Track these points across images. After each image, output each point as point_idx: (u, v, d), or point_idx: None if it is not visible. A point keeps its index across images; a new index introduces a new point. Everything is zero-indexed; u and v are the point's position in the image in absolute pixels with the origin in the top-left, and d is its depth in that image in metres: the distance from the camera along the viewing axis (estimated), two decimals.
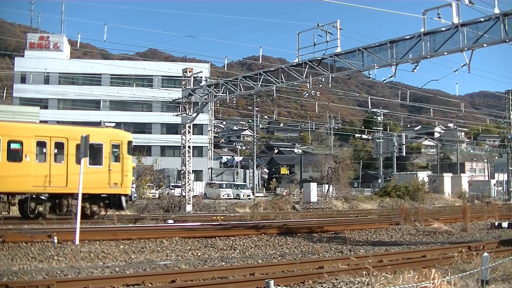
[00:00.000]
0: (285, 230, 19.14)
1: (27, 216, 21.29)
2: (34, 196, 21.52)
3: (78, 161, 19.93)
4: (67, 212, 21.84)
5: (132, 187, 25.08)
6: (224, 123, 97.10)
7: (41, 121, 44.64)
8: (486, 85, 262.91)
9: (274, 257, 13.12)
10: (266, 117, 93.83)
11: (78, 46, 36.57)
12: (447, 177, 58.73)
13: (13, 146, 21.01)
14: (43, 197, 21.74)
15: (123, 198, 23.20)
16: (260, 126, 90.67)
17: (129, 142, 23.91)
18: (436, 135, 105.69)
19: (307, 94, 27.15)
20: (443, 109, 64.99)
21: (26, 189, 21.13)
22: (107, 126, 28.79)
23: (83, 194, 19.11)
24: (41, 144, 21.81)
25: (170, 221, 22.48)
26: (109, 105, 63.34)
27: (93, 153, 21.86)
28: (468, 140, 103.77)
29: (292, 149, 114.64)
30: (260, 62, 31.93)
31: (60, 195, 21.87)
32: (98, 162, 22.64)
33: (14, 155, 21.11)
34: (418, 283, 8.06)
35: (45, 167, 21.39)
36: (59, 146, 21.99)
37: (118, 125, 49.47)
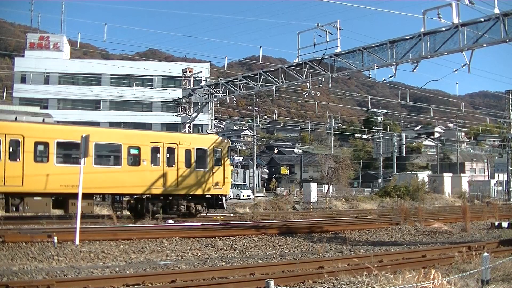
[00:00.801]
0: (285, 230, 19.14)
1: (139, 215, 23.26)
2: (149, 196, 23.62)
3: (187, 165, 24.47)
4: (176, 210, 24.26)
5: None
6: (224, 123, 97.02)
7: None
8: (486, 85, 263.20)
9: (274, 257, 13.12)
10: (266, 117, 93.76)
11: (78, 46, 36.58)
12: (447, 177, 58.75)
13: (132, 151, 23.22)
14: (156, 198, 23.91)
15: (224, 198, 25.96)
16: (260, 126, 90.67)
17: (229, 148, 27.14)
18: (436, 135, 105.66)
19: (307, 94, 27.17)
20: (443, 109, 64.97)
21: (144, 191, 23.46)
22: (208, 133, 33.85)
23: (189, 195, 24.74)
24: (155, 150, 23.90)
25: (170, 221, 22.48)
26: (109, 105, 63.30)
27: (200, 157, 25.03)
28: (468, 140, 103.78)
29: (292, 149, 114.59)
30: (260, 62, 31.95)
31: (171, 196, 24.26)
32: (203, 166, 25.14)
33: (134, 160, 23.40)
34: (418, 283, 8.06)
35: (159, 170, 23.79)
36: (171, 151, 24.28)
37: (118, 125, 49.56)
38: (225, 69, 36.85)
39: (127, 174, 22.72)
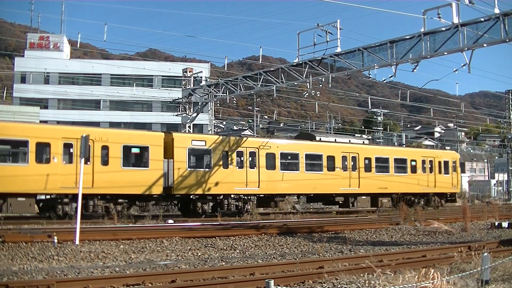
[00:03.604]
0: (285, 230, 19.14)
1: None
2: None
3: (440, 171, 34.25)
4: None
5: None
6: (224, 123, 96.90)
7: (41, 121, 44.64)
8: (486, 85, 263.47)
9: (274, 257, 13.12)
10: (266, 117, 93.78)
11: (78, 46, 36.58)
12: None
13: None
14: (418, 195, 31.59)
15: (456, 195, 36.83)
16: (260, 126, 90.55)
17: (459, 159, 37.98)
18: (436, 135, 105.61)
19: (307, 94, 27.16)
20: (443, 109, 64.98)
21: (413, 190, 32.83)
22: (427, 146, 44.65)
23: (437, 193, 34.79)
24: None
25: (170, 221, 22.47)
26: (109, 105, 63.27)
27: (445, 166, 35.44)
28: (468, 140, 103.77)
29: None
30: (260, 62, 31.96)
31: (427, 194, 33.45)
32: (447, 172, 35.43)
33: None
34: (418, 283, 8.06)
35: (423, 176, 33.61)
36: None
37: (118, 125, 49.54)
38: (225, 69, 36.86)
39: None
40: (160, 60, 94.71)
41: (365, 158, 31.03)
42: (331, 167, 29.31)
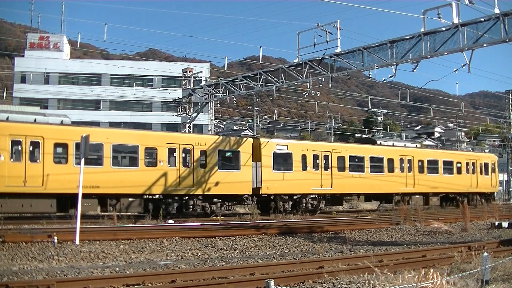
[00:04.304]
0: (285, 230, 19.14)
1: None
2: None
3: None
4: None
5: None
6: (224, 123, 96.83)
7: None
8: (486, 85, 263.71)
9: (274, 257, 13.12)
10: (266, 117, 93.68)
11: (78, 46, 36.55)
12: None
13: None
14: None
15: (495, 194, 39.91)
16: (260, 126, 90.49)
17: (496, 161, 40.38)
18: (436, 135, 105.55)
19: (307, 94, 27.17)
20: (443, 109, 64.94)
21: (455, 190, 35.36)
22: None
23: (477, 192, 37.49)
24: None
25: (170, 221, 22.47)
26: (109, 105, 63.26)
27: (485, 168, 37.97)
28: (468, 140, 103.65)
29: None
30: (260, 62, 31.92)
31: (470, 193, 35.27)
32: (487, 173, 38.15)
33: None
34: (418, 283, 8.07)
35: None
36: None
37: (118, 125, 49.53)
38: (225, 69, 36.85)
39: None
40: (160, 60, 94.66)
41: (419, 161, 33.95)
42: (391, 169, 32.24)
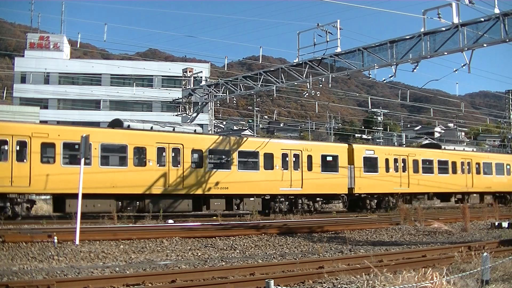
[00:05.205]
0: (285, 230, 19.14)
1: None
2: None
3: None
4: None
5: None
6: (224, 123, 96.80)
7: (41, 121, 44.63)
8: (486, 85, 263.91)
9: (274, 257, 13.12)
10: (266, 117, 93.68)
11: (78, 46, 36.57)
12: None
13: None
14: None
15: None
16: (260, 126, 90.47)
17: None
18: (436, 135, 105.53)
19: (307, 94, 27.15)
20: (443, 109, 64.94)
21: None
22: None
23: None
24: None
25: (170, 221, 22.47)
26: (109, 105, 63.24)
27: None
28: (468, 140, 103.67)
29: None
30: (260, 62, 31.92)
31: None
32: None
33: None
34: (418, 283, 8.06)
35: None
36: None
37: None
38: (225, 69, 36.84)
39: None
40: (160, 60, 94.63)
41: (476, 163, 37.66)
42: (454, 171, 36.01)
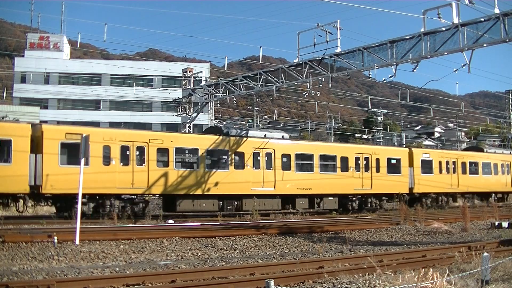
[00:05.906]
0: (285, 230, 19.13)
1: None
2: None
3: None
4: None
5: None
6: (224, 123, 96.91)
7: (41, 121, 44.62)
8: (486, 85, 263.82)
9: (274, 257, 13.12)
10: (266, 117, 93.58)
11: (78, 46, 36.58)
12: None
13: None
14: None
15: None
16: (260, 126, 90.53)
17: None
18: (436, 135, 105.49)
19: (307, 94, 27.16)
20: (443, 109, 64.95)
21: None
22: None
23: None
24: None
25: (170, 221, 22.47)
26: (109, 105, 63.26)
27: None
28: (468, 140, 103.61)
29: None
30: (260, 62, 31.93)
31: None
32: None
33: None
34: (418, 283, 8.07)
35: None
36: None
37: (118, 125, 49.51)
38: (225, 69, 36.86)
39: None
40: (160, 60, 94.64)
41: None
42: (496, 172, 39.26)
